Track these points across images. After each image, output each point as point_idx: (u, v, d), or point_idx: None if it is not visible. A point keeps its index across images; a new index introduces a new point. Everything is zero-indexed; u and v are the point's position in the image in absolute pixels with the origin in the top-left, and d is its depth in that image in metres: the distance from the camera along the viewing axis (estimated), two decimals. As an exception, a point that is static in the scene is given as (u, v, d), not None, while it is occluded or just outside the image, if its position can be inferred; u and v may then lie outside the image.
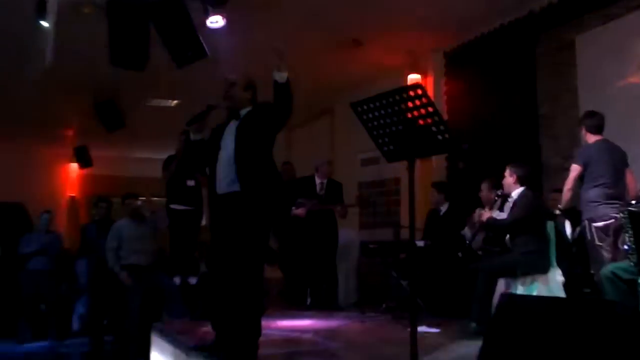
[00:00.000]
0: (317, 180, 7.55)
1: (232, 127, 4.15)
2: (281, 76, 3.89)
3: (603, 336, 2.36)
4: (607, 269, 4.35)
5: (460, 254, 5.91)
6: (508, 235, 5.41)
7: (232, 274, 3.96)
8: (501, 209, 5.62)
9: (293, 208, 7.37)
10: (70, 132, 11.94)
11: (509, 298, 3.05)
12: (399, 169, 8.01)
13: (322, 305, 7.31)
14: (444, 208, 7.06)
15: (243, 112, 4.19)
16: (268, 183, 4.03)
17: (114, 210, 8.03)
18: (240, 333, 3.93)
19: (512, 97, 7.16)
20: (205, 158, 4.25)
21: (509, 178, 5.44)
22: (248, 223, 3.92)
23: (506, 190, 5.49)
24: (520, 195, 5.34)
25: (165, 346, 5.12)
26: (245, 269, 3.91)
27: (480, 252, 5.98)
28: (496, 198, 5.61)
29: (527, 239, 5.18)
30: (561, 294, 4.99)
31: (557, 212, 5.50)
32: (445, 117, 7.86)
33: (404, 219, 8.05)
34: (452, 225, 6.68)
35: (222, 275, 4.07)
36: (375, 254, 7.96)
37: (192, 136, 4.28)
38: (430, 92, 8.29)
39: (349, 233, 8.44)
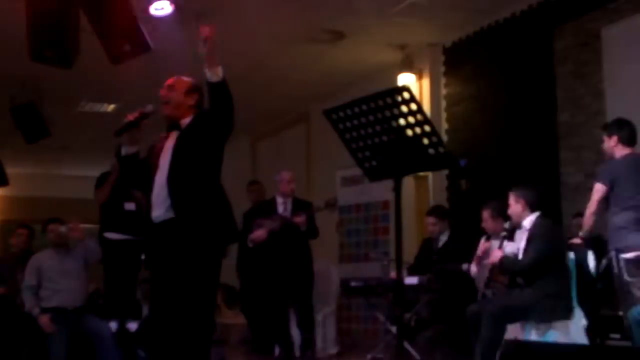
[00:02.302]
0: (279, 200, 7.39)
1: (171, 140, 4.18)
2: (213, 74, 3.88)
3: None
4: (638, 309, 4.41)
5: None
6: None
7: (171, 317, 3.97)
8: (509, 238, 5.66)
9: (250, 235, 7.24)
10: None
11: (517, 346, 3.08)
12: (388, 190, 8.06)
13: (294, 356, 7.29)
14: (444, 237, 7.10)
15: (186, 121, 4.20)
16: (209, 208, 4.04)
17: (35, 241, 7.97)
18: None
19: (526, 101, 7.25)
20: (141, 177, 4.26)
21: (514, 205, 5.47)
22: (186, 256, 3.95)
23: (515, 220, 5.52)
24: (537, 224, 5.36)
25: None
26: (184, 311, 3.93)
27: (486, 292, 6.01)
28: (505, 233, 5.63)
29: (547, 280, 5.20)
30: (583, 341, 5.04)
31: (578, 241, 5.57)
32: (445, 125, 7.98)
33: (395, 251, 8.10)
34: (453, 258, 6.72)
35: (161, 319, 4.08)
36: (358, 294, 7.97)
37: (124, 149, 4.28)
38: (426, 95, 8.39)
39: (326, 267, 8.43)
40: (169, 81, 4.23)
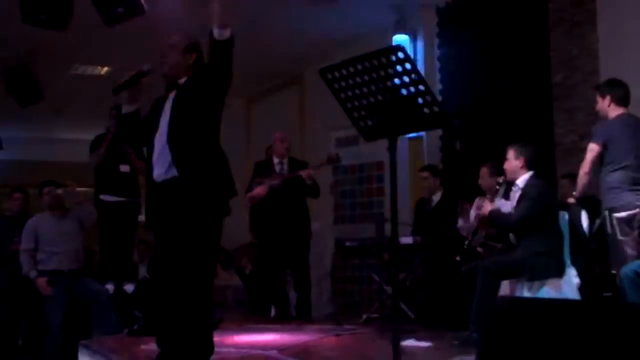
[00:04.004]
0: (275, 160, 7.40)
1: (169, 100, 4.17)
2: (220, 33, 3.87)
3: (623, 345, 2.43)
4: (629, 267, 4.46)
5: (458, 258, 6.00)
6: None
7: (175, 279, 4.01)
8: (506, 197, 5.70)
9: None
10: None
11: (510, 302, 3.13)
12: (383, 151, 8.08)
13: (290, 316, 7.37)
14: (436, 197, 7.14)
15: (183, 81, 4.19)
16: (210, 164, 4.05)
17: (31, 205, 7.97)
18: (187, 351, 3.98)
19: (519, 62, 7.26)
20: (142, 136, 4.26)
21: (514, 161, 5.47)
22: (190, 214, 3.97)
23: (510, 176, 5.54)
24: (530, 184, 5.39)
25: (95, 368, 5.15)
26: (189, 272, 3.96)
27: (480, 250, 6.08)
28: (498, 187, 5.68)
29: (537, 238, 5.25)
30: (576, 298, 5.10)
31: (572, 201, 5.61)
32: (438, 86, 7.99)
33: (390, 211, 8.14)
34: (446, 218, 6.77)
35: (164, 281, 4.11)
36: (354, 254, 8.02)
37: (124, 108, 4.27)
38: (420, 55, 8.38)
39: (320, 228, 8.47)
40: (169, 40, 4.19)
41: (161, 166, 4.06)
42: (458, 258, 6.01)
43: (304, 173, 7.05)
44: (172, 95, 4.18)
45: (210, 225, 4.04)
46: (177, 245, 4.00)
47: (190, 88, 4.11)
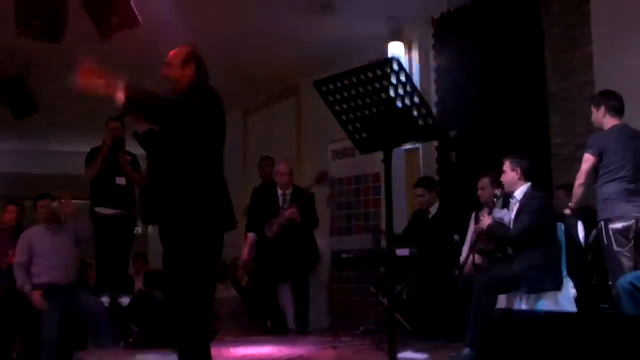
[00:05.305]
0: (279, 192, 7.60)
1: None
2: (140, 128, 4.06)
3: (619, 357, 2.43)
4: (625, 278, 4.46)
5: (457, 272, 6.01)
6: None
7: (170, 292, 4.06)
8: (502, 206, 5.70)
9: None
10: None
11: (506, 314, 3.12)
12: (379, 162, 8.08)
13: (286, 328, 7.35)
14: (433, 209, 7.14)
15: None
16: (202, 194, 4.03)
17: (25, 217, 7.96)
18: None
19: (515, 71, 7.27)
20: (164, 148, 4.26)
21: (510, 173, 5.48)
22: (179, 227, 3.99)
23: (508, 188, 5.54)
24: (528, 196, 5.39)
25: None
26: (179, 284, 3.99)
27: (478, 261, 6.06)
28: (495, 199, 5.67)
29: (535, 250, 5.23)
30: (572, 310, 5.10)
31: (567, 212, 5.61)
32: (434, 97, 7.99)
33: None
34: (443, 230, 6.77)
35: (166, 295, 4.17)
36: (350, 266, 8.02)
37: (138, 128, 4.27)
38: (415, 66, 8.40)
39: (317, 240, 8.47)
40: (167, 59, 4.22)
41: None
42: (457, 272, 6.03)
43: (289, 214, 7.31)
44: None
45: (201, 238, 4.02)
46: (169, 258, 4.07)
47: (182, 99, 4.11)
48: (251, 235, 7.54)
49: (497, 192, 5.68)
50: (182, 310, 3.98)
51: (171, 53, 4.25)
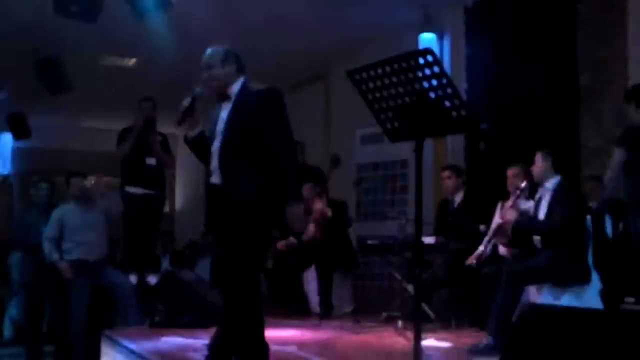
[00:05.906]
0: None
1: (224, 111, 4.24)
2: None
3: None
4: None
5: (474, 263, 6.01)
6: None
7: (223, 280, 4.20)
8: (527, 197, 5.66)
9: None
10: (1, 96, 11.88)
11: (533, 308, 3.12)
12: (406, 149, 8.08)
13: (309, 312, 7.39)
14: (458, 197, 7.09)
15: (234, 88, 4.25)
16: (257, 184, 4.09)
17: (57, 193, 8.04)
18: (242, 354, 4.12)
19: (547, 64, 7.21)
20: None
21: (541, 163, 5.45)
22: (233, 225, 4.05)
23: (537, 179, 5.52)
24: (560, 187, 5.35)
25: (118, 358, 5.19)
26: (232, 272, 4.06)
27: (504, 253, 6.03)
28: (519, 191, 5.63)
29: (564, 243, 5.21)
30: (598, 304, 5.07)
31: (595, 204, 5.57)
32: (464, 86, 7.94)
33: (412, 210, 8.11)
34: (468, 219, 6.74)
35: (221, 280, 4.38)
36: (375, 252, 8.02)
37: (189, 134, 4.33)
38: (446, 54, 8.35)
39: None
40: (204, 61, 4.25)
41: (215, 173, 4.18)
42: (474, 262, 6.02)
43: (307, 239, 7.35)
44: (226, 105, 4.24)
45: (251, 232, 4.06)
46: (227, 250, 4.16)
47: (243, 105, 4.18)
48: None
49: (522, 185, 5.64)
50: (236, 297, 4.08)
51: (207, 55, 4.27)
